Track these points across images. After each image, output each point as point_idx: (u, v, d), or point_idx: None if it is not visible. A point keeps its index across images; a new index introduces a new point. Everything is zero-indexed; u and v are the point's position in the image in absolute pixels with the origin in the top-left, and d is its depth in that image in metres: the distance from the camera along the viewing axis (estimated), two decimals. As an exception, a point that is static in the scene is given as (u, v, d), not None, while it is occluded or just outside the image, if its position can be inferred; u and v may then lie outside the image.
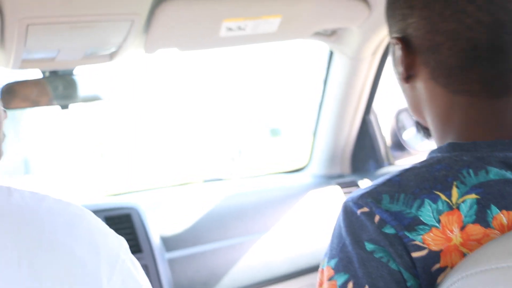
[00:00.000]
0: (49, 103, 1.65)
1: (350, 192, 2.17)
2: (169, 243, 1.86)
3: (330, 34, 1.85)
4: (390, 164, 2.29)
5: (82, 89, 1.70)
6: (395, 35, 0.82)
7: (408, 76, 0.82)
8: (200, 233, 1.94)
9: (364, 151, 2.29)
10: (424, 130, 0.89)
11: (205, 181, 2.38)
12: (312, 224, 2.06)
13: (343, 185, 2.22)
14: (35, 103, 1.62)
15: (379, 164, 2.27)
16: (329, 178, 2.28)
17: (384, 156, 2.28)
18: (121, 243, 0.67)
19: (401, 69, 0.82)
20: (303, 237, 2.03)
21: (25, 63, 1.51)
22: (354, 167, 2.34)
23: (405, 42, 0.80)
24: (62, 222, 0.62)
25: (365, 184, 2.23)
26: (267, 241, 1.98)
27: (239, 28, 1.57)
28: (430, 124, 0.83)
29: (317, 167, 2.37)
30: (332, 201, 2.15)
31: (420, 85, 0.82)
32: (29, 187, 0.66)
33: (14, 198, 0.61)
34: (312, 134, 2.35)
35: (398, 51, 0.82)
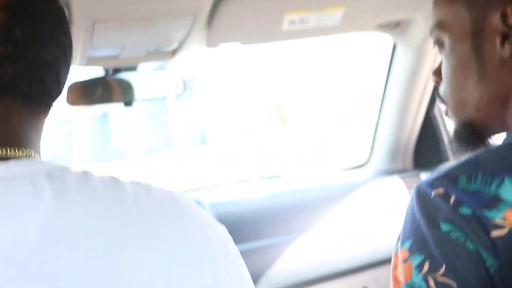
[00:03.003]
0: (113, 100, 1.67)
1: (412, 187, 2.12)
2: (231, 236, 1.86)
3: (394, 26, 1.81)
4: (455, 158, 2.22)
5: (145, 86, 1.72)
6: (503, 5, 0.77)
7: None
8: (261, 228, 1.94)
9: (428, 145, 2.23)
10: (474, 138, 0.85)
11: (264, 177, 2.37)
12: (375, 219, 2.02)
13: (406, 180, 2.17)
14: (100, 101, 1.64)
15: (443, 158, 2.21)
16: (391, 173, 2.23)
17: (449, 150, 2.21)
18: (227, 233, 0.67)
19: (510, 43, 0.77)
20: (365, 232, 2.00)
21: (90, 61, 1.54)
22: (417, 162, 2.28)
23: None
24: (170, 211, 0.62)
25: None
26: (329, 236, 1.95)
27: (302, 21, 1.54)
28: None
29: (378, 162, 2.32)
30: (395, 195, 2.10)
31: None
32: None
33: (121, 188, 0.61)
34: (373, 129, 2.31)
35: (498, 23, 0.78)
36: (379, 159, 2.31)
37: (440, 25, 0.86)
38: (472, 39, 0.81)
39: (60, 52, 0.65)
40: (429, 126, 2.21)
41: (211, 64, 12.99)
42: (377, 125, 2.27)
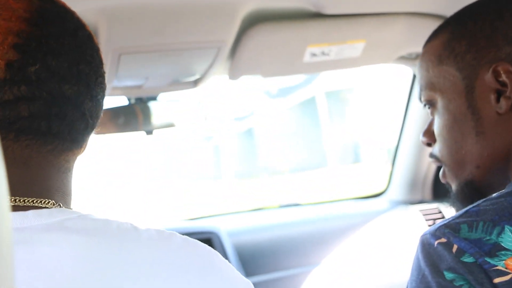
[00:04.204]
0: (135, 129, 1.69)
1: (432, 219, 2.10)
2: (248, 268, 1.86)
3: (415, 58, 1.82)
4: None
5: (166, 116, 1.74)
6: (494, 62, 0.81)
7: None
8: (278, 259, 1.93)
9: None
10: (473, 192, 0.85)
11: (281, 206, 2.37)
12: (393, 249, 2.01)
13: (425, 212, 2.15)
14: (123, 129, 1.66)
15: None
16: (409, 204, 2.22)
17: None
18: None
19: (506, 99, 0.80)
20: (382, 263, 1.98)
21: (114, 90, 1.56)
22: (437, 193, 2.27)
23: None
24: (192, 265, 0.59)
25: (448, 211, 2.16)
26: (347, 268, 1.94)
27: (323, 53, 1.56)
28: None
29: (396, 192, 2.31)
30: (413, 226, 2.09)
31: None
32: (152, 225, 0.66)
33: (143, 236, 0.59)
34: (392, 158, 2.30)
35: (491, 80, 0.80)
36: (397, 189, 2.30)
37: (430, 86, 0.88)
38: (466, 97, 0.83)
39: (81, 86, 0.63)
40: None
41: (366, 77, 12.83)
42: (395, 154, 2.27)
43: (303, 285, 1.89)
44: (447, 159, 0.88)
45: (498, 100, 0.81)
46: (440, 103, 0.86)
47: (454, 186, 0.89)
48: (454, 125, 0.85)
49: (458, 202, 0.88)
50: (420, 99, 0.92)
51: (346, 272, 1.94)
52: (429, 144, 0.93)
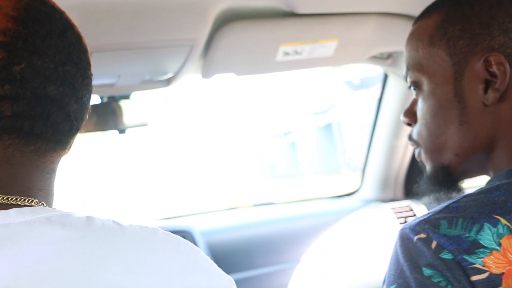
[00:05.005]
0: (107, 128, 1.67)
1: (403, 217, 2.13)
2: (222, 266, 1.85)
3: (386, 58, 1.84)
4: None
5: (139, 114, 1.73)
6: (486, 52, 0.79)
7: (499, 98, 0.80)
8: (251, 258, 1.94)
9: (419, 174, 2.24)
10: (450, 181, 0.86)
11: (255, 205, 2.38)
12: (363, 248, 2.03)
13: (396, 209, 2.18)
14: (95, 129, 1.64)
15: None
16: (381, 202, 2.24)
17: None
18: (231, 286, 0.65)
19: (494, 90, 0.79)
20: (354, 262, 2.00)
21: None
22: (408, 191, 2.29)
23: (506, 56, 0.78)
24: (175, 260, 0.60)
25: (419, 208, 2.18)
26: (319, 266, 1.95)
27: (296, 52, 1.57)
28: (500, 152, 0.81)
29: (368, 191, 2.33)
30: (384, 225, 2.11)
31: (507, 104, 0.80)
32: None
33: (127, 232, 0.59)
34: (364, 158, 2.32)
35: (482, 70, 0.79)
36: (370, 188, 2.32)
37: (418, 67, 0.86)
38: (454, 84, 0.82)
39: (67, 87, 0.63)
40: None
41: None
42: (368, 154, 2.29)
43: (276, 283, 1.89)
44: (426, 143, 0.87)
45: (486, 91, 0.79)
46: (426, 86, 0.85)
47: (428, 168, 0.88)
48: (438, 111, 0.84)
49: (431, 184, 0.88)
50: (405, 78, 0.90)
51: (319, 269, 1.95)
52: (409, 124, 0.92)
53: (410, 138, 0.91)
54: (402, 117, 0.92)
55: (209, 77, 1.60)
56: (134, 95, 1.73)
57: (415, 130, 0.89)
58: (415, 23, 0.90)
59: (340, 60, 1.69)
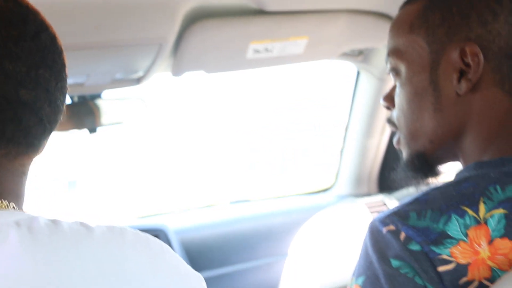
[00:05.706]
0: (77, 127, 1.66)
1: (377, 211, 2.15)
2: (196, 264, 1.85)
3: (357, 54, 1.85)
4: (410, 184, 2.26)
5: (110, 113, 1.72)
6: (462, 42, 0.80)
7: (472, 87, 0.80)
8: (226, 255, 1.94)
9: (392, 169, 2.26)
10: (425, 168, 0.87)
11: (232, 202, 2.37)
12: (337, 243, 2.04)
13: (370, 204, 2.20)
14: (64, 128, 1.63)
15: (407, 183, 2.24)
16: (355, 198, 2.26)
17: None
18: (201, 283, 0.65)
19: (467, 80, 0.80)
20: (329, 257, 2.01)
21: (55, 88, 1.53)
22: (382, 186, 2.31)
23: (482, 48, 0.79)
24: (145, 260, 0.60)
25: (392, 203, 2.20)
26: (294, 262, 1.96)
27: (266, 50, 1.57)
28: (470, 142, 0.82)
29: (343, 186, 2.35)
30: (358, 220, 2.12)
31: (479, 95, 0.80)
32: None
33: (94, 234, 0.58)
34: (339, 155, 2.33)
35: (457, 60, 0.80)
36: (344, 184, 2.33)
37: (397, 54, 0.87)
38: (430, 72, 0.83)
39: (40, 91, 0.61)
40: (393, 151, 2.24)
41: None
42: (342, 150, 2.30)
43: (251, 279, 1.90)
44: (402, 128, 0.88)
45: (459, 81, 0.80)
46: (404, 73, 0.86)
47: (405, 154, 0.90)
48: (414, 98, 0.85)
49: (408, 171, 0.89)
50: (386, 63, 0.90)
51: (294, 265, 1.95)
52: (388, 108, 0.93)
53: (389, 121, 0.93)
54: (381, 101, 0.95)
55: (179, 75, 1.59)
56: (106, 94, 1.72)
57: (394, 115, 0.91)
58: (400, 8, 0.91)
59: (311, 57, 1.69)
